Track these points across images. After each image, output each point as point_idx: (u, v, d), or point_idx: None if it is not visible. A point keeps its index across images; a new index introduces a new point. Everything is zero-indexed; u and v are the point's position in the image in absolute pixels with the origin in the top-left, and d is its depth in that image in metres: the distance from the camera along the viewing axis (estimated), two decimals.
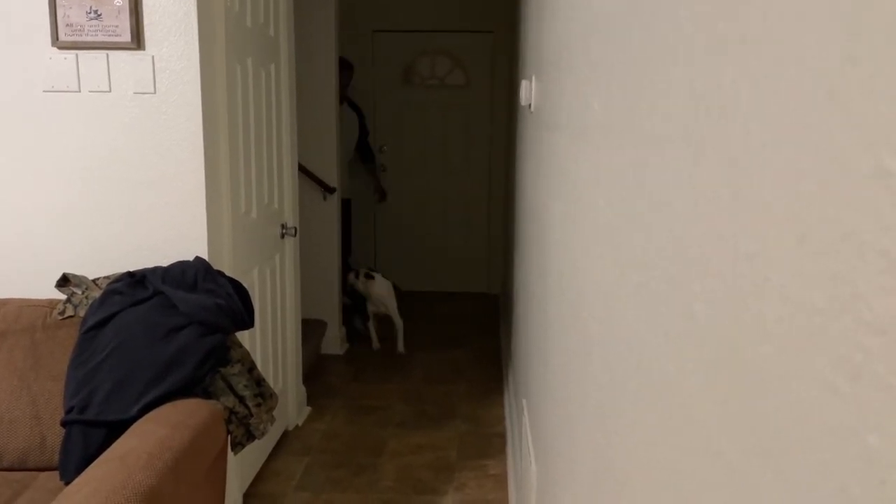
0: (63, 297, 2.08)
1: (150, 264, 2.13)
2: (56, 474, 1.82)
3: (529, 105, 2.27)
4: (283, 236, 2.95)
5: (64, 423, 1.81)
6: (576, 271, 1.17)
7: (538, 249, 1.94)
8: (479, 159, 5.39)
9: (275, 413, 2.17)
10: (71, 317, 2.01)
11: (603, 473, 0.87)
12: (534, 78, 2.17)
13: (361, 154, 4.79)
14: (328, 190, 3.95)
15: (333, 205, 4.00)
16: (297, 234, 3.10)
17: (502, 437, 3.07)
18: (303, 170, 3.82)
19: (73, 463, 1.75)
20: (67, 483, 1.69)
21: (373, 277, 4.11)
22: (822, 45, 0.32)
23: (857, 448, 0.29)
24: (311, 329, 3.89)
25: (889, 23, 0.27)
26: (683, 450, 0.54)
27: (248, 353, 2.11)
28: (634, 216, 0.71)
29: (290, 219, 3.03)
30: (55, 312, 2.02)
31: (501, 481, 2.70)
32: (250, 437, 2.03)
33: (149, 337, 1.87)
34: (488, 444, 3.01)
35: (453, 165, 5.41)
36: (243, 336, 2.44)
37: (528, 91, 2.25)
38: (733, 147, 0.42)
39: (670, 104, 0.56)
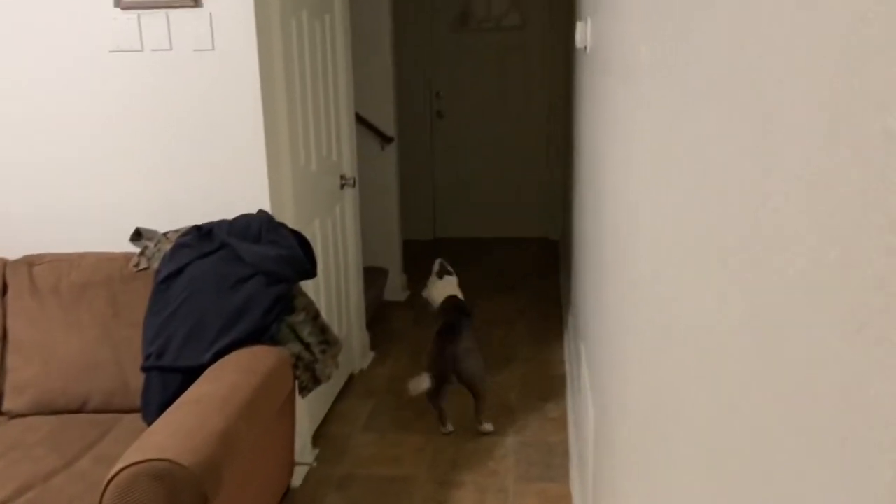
0: (137, 250, 2.18)
1: (216, 217, 2.21)
2: (139, 416, 1.95)
3: (585, 47, 2.23)
4: (342, 187, 3.00)
5: (144, 369, 1.92)
6: (630, 213, 1.17)
7: (594, 193, 1.93)
8: (537, 102, 5.31)
9: (339, 358, 2.25)
10: (146, 269, 2.12)
11: (653, 414, 0.89)
12: (589, 20, 2.12)
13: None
14: (386, 139, 3.98)
15: (392, 154, 4.03)
16: (357, 185, 3.15)
17: (562, 379, 3.11)
18: (360, 119, 3.85)
19: (153, 406, 1.87)
20: (149, 424, 1.81)
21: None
22: None
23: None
24: (372, 277, 3.97)
25: None
26: (723, 389, 0.55)
27: (312, 302, 2.19)
28: (677, 162, 0.71)
29: (349, 169, 3.08)
30: (131, 265, 2.13)
31: (561, 424, 2.74)
32: (316, 381, 2.12)
33: (218, 287, 1.96)
34: (548, 386, 3.05)
35: (511, 109, 5.34)
36: (307, 285, 2.52)
37: (584, 33, 2.21)
38: (766, 105, 0.42)
39: (709, 50, 0.56)
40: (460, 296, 2.94)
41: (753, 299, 0.45)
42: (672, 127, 0.74)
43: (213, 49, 2.13)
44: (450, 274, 3.00)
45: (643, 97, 1.00)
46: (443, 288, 2.95)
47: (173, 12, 2.12)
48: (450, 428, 2.67)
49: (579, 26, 2.29)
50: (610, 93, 1.49)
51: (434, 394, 2.63)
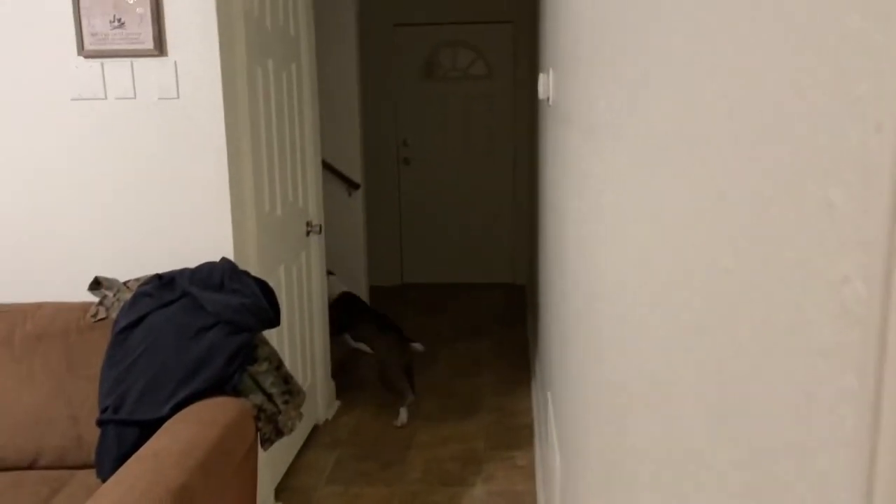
0: (95, 299, 2.14)
1: (178, 266, 2.17)
2: (93, 472, 1.88)
3: (548, 98, 2.27)
4: (308, 234, 2.98)
5: (99, 423, 1.86)
6: (589, 268, 1.18)
7: (558, 242, 1.95)
8: (502, 150, 5.39)
9: (304, 408, 2.21)
10: (103, 319, 2.07)
11: (612, 471, 0.88)
12: (551, 71, 2.17)
13: None
14: (353, 186, 3.99)
15: (358, 201, 4.03)
16: (323, 232, 3.14)
17: (530, 428, 3.09)
18: (327, 166, 3.86)
19: (108, 461, 1.80)
20: (104, 480, 1.74)
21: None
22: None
23: None
24: None
25: None
26: (681, 452, 0.55)
27: (275, 352, 2.15)
28: (633, 217, 0.72)
29: (315, 216, 3.07)
30: (88, 315, 2.08)
31: (529, 472, 2.71)
32: (279, 433, 2.07)
33: (178, 337, 1.92)
34: (516, 435, 3.02)
35: (477, 156, 5.41)
36: (271, 334, 2.48)
37: (547, 84, 2.25)
38: (710, 169, 0.43)
39: (662, 109, 0.57)
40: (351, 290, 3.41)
41: (708, 359, 0.46)
42: (627, 184, 0.75)
43: (178, 97, 2.13)
44: (332, 274, 3.44)
45: (601, 151, 1.02)
46: (333, 284, 3.37)
47: (138, 61, 2.12)
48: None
49: (542, 78, 2.34)
50: (571, 144, 1.52)
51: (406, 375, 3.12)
